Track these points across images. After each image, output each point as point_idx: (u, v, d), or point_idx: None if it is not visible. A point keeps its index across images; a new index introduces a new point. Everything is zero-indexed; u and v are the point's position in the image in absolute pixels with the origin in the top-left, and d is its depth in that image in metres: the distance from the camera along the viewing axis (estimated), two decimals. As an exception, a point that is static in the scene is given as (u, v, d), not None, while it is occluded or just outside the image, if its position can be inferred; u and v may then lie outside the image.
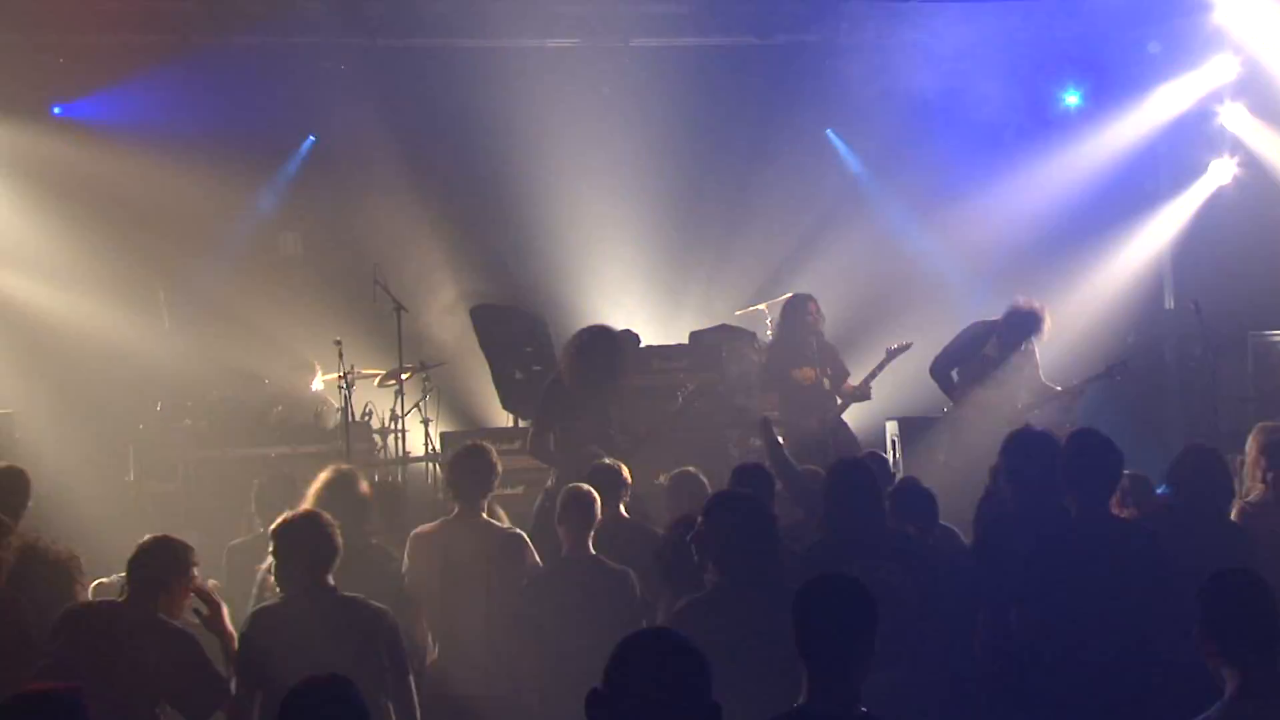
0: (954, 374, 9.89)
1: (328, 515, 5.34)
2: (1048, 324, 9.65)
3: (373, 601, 5.23)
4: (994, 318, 9.89)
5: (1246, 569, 4.20)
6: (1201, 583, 4.09)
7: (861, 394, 9.92)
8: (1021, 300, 9.74)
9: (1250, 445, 6.78)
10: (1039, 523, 5.39)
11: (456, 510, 6.39)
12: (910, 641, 5.28)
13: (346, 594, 5.19)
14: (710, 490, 6.97)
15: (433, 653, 6.22)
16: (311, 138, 13.24)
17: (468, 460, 6.49)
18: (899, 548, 5.57)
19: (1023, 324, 9.70)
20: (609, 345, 8.36)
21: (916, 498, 6.37)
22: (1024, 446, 5.84)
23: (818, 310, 9.93)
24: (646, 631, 3.27)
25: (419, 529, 6.48)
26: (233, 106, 12.56)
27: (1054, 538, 5.26)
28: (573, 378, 8.25)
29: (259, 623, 5.13)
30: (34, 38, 11.95)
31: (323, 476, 6.36)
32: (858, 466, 5.83)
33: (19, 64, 11.90)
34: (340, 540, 5.23)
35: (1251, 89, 13.03)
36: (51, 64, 12.10)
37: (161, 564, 5.22)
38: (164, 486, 11.44)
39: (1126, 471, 6.30)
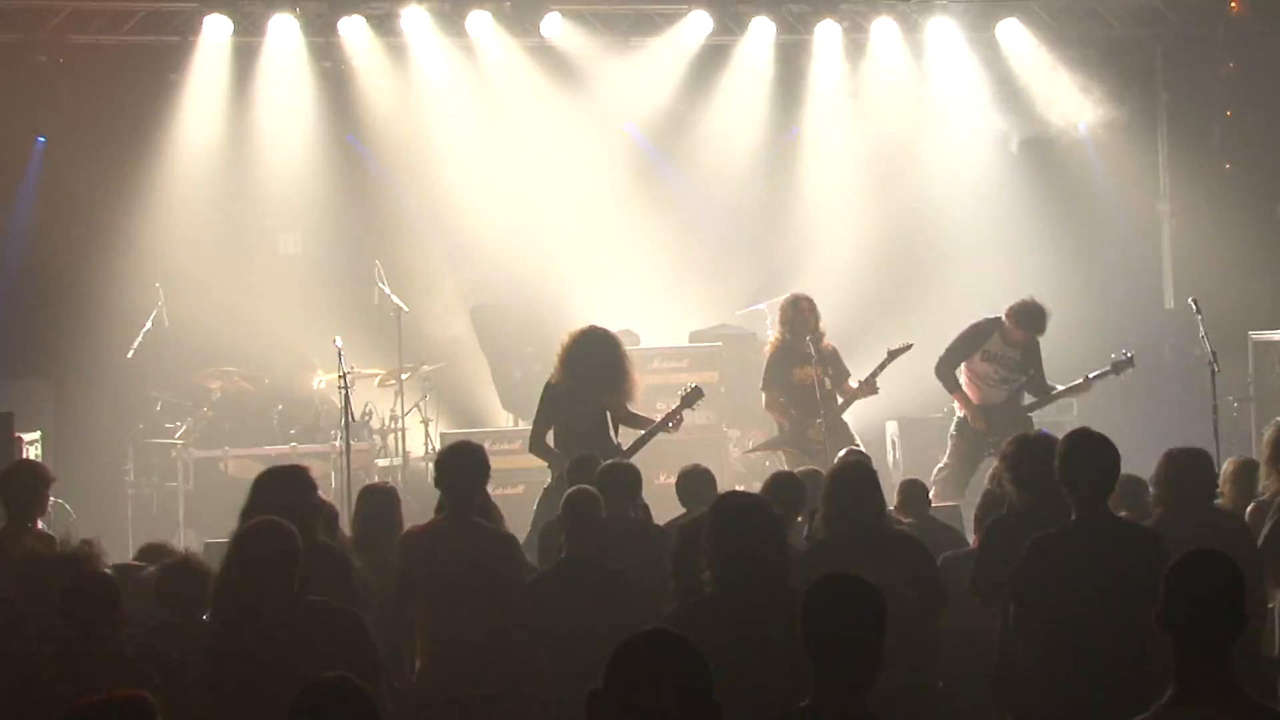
0: (958, 373, 9.89)
1: (286, 521, 5.17)
2: (1048, 321, 9.73)
3: (336, 603, 5.13)
4: (996, 315, 9.90)
5: (1220, 552, 3.64)
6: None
7: (867, 390, 9.84)
8: (1024, 298, 9.79)
9: (1265, 443, 6.72)
10: (1040, 524, 5.38)
11: (447, 510, 6.18)
12: (911, 642, 5.28)
13: (311, 598, 5.06)
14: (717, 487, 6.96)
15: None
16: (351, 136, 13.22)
17: (457, 457, 6.22)
18: (900, 547, 5.57)
19: (1028, 319, 9.73)
20: (599, 349, 8.39)
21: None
22: (1026, 450, 5.84)
23: (811, 308, 9.90)
24: (647, 632, 3.25)
25: (409, 529, 6.39)
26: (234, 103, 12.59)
27: (1050, 538, 5.25)
28: (564, 381, 8.33)
29: (229, 634, 5.02)
30: (32, 36, 11.97)
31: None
32: (859, 467, 5.82)
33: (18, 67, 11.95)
34: (301, 545, 5.12)
35: (1252, 90, 13.06)
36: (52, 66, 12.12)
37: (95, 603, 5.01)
38: (164, 486, 11.45)
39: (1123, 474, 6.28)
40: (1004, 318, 9.86)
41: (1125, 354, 9.93)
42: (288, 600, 5.00)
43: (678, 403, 8.70)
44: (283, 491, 5.72)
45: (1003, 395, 9.88)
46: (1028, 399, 10.06)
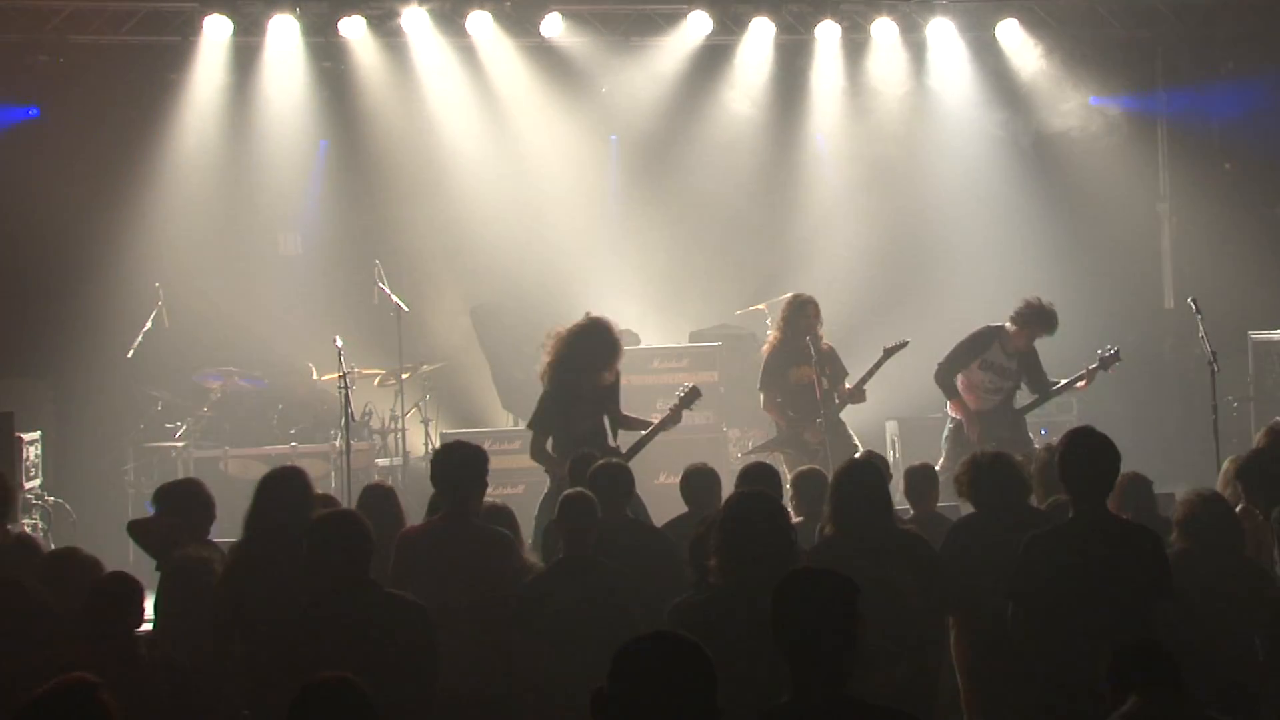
0: (958, 380, 9.85)
1: (360, 513, 5.34)
2: (1057, 321, 9.66)
3: (409, 596, 5.24)
4: (997, 323, 9.84)
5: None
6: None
7: (856, 397, 9.89)
8: (1033, 298, 9.71)
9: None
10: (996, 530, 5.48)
11: (444, 510, 6.17)
12: (914, 641, 5.29)
13: (385, 589, 5.19)
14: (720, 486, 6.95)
15: None
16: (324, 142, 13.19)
17: (453, 456, 6.20)
18: (904, 547, 5.57)
19: (1036, 321, 9.66)
20: (583, 340, 8.40)
21: None
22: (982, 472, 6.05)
23: (817, 313, 9.91)
24: (655, 634, 3.25)
25: (406, 529, 6.39)
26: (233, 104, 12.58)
27: (1046, 536, 5.26)
28: (557, 374, 8.33)
29: (302, 622, 5.10)
30: (32, 36, 11.97)
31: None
32: (864, 466, 5.82)
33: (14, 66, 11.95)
34: (372, 535, 5.22)
35: (1252, 90, 13.07)
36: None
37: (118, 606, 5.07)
38: (164, 486, 11.43)
39: (1125, 471, 6.28)
40: (1007, 323, 9.77)
41: (1110, 349, 9.87)
42: (360, 586, 5.09)
43: (675, 403, 8.68)
44: (285, 495, 5.78)
45: (995, 401, 9.86)
46: (1025, 399, 10.02)
